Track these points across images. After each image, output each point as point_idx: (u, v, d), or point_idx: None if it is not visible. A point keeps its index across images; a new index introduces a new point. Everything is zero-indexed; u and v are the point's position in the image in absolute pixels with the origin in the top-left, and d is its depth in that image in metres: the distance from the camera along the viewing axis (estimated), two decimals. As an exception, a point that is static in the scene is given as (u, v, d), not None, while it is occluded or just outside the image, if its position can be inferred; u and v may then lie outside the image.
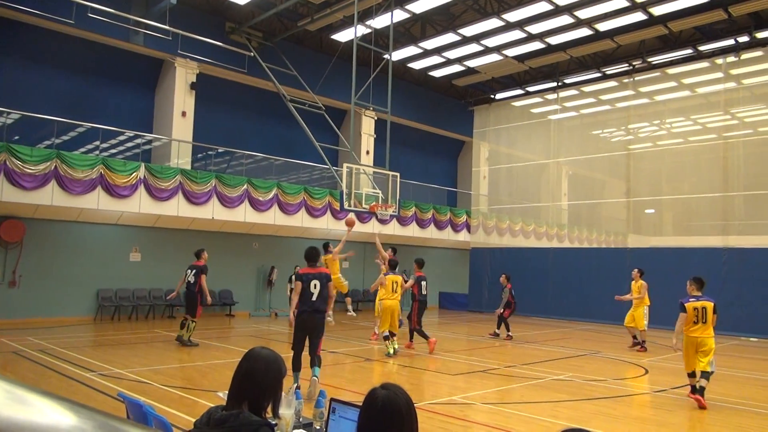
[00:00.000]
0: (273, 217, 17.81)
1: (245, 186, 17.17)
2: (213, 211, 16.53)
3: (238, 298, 18.86)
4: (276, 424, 3.19)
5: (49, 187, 13.78)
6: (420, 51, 20.06)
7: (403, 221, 20.93)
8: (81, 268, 15.94)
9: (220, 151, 18.52)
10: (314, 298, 7.47)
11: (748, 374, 10.89)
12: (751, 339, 16.30)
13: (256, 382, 2.46)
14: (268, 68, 18.44)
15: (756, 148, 18.98)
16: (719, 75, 19.42)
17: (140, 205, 15.26)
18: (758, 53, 18.33)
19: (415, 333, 12.60)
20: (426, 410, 7.17)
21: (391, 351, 11.21)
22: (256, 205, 17.34)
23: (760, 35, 17.68)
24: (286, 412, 3.57)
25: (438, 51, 20.04)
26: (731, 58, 18.71)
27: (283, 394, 2.77)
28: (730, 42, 18.37)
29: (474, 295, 23.66)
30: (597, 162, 23.82)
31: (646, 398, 8.39)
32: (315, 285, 7.50)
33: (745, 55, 18.50)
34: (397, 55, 19.85)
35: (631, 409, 7.67)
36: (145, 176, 15.30)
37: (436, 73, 22.49)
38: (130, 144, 17.24)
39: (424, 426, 6.45)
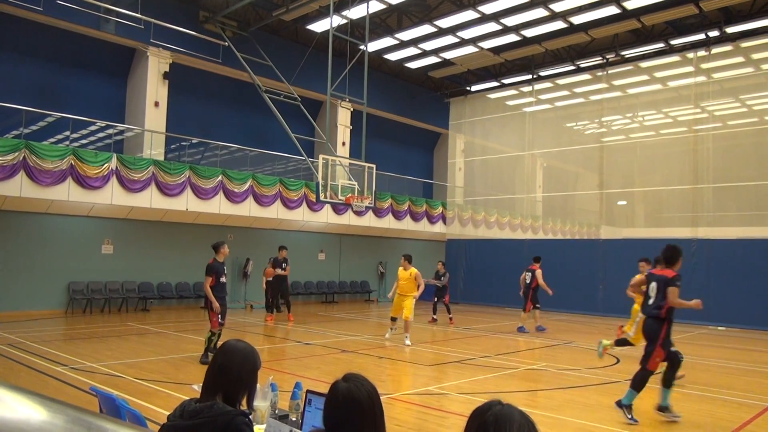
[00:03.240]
0: (248, 208, 17.67)
1: (220, 177, 16.99)
2: (187, 203, 16.33)
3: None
4: (251, 416, 3.18)
5: (17, 178, 13.46)
6: (396, 42, 20.01)
7: (379, 213, 20.94)
8: (51, 261, 15.64)
9: (194, 141, 18.28)
10: None
11: (717, 362, 11.16)
12: (719, 328, 16.71)
13: (231, 374, 2.45)
14: (242, 58, 18.23)
15: (725, 141, 19.38)
16: (690, 69, 19.74)
17: (112, 196, 15.00)
18: (728, 48, 18.67)
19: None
20: (402, 401, 7.21)
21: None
22: (231, 197, 17.18)
23: (730, 30, 18.01)
24: (262, 404, 3.56)
25: (414, 42, 20.01)
26: (702, 53, 19.04)
27: (258, 386, 2.75)
28: (701, 36, 18.68)
29: (452, 286, 23.79)
30: (571, 154, 24.10)
31: (619, 386, 8.53)
32: None
33: (715, 50, 18.84)
34: (373, 46, 19.77)
35: (604, 397, 7.80)
36: (117, 167, 15.03)
37: (413, 65, 22.47)
38: (101, 134, 16.91)
39: (401, 416, 6.50)
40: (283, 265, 15.60)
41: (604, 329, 15.86)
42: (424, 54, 21.12)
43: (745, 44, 18.45)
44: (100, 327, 13.53)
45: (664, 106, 21.99)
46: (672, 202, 20.53)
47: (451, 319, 16.21)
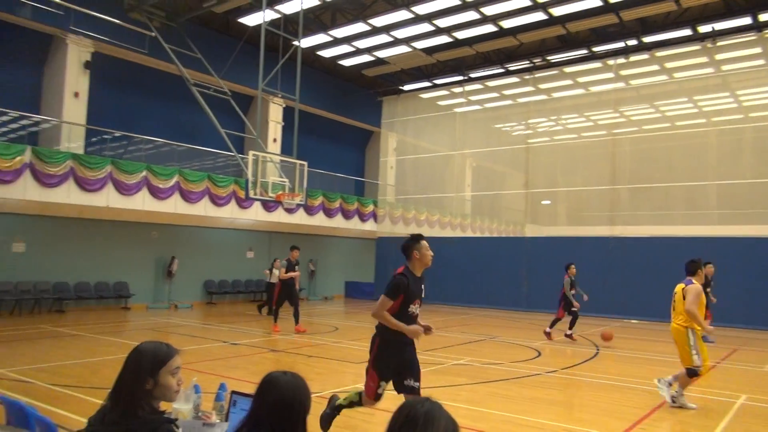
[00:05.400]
0: (174, 205, 17.13)
1: (144, 173, 16.39)
2: (108, 199, 15.66)
3: (135, 289, 18.03)
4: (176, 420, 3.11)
5: None
6: (330, 39, 19.94)
7: (310, 210, 20.81)
8: (-44, 259, 14.63)
9: (116, 135, 17.53)
10: None
11: (630, 353, 11.78)
12: (632, 321, 17.66)
13: (126, 378, 2.38)
14: (170, 50, 17.62)
15: (640, 144, 20.50)
16: (610, 75, 20.73)
17: (25, 191, 14.17)
18: (644, 56, 19.73)
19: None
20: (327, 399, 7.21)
21: None
22: (156, 193, 16.61)
23: (647, 39, 19.02)
24: (184, 406, 3.48)
25: (348, 40, 20.00)
26: (621, 60, 20.02)
27: (182, 389, 2.69)
28: (621, 45, 19.65)
29: (380, 283, 23.98)
30: (499, 154, 24.79)
31: (539, 379, 8.89)
32: None
33: (633, 58, 19.86)
34: (307, 42, 19.62)
35: (525, 389, 8.10)
36: (31, 161, 14.21)
37: (346, 63, 22.45)
38: (14, 125, 15.95)
39: (328, 415, 6.49)
40: (296, 267, 14.00)
41: (526, 324, 16.45)
42: (358, 52, 21.15)
43: (660, 53, 19.54)
44: (10, 330, 12.77)
45: (586, 110, 23.01)
46: (592, 202, 21.52)
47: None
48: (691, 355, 7.14)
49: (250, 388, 2.20)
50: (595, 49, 20.19)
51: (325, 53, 21.37)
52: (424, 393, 7.82)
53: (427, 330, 5.27)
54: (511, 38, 19.32)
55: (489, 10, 17.28)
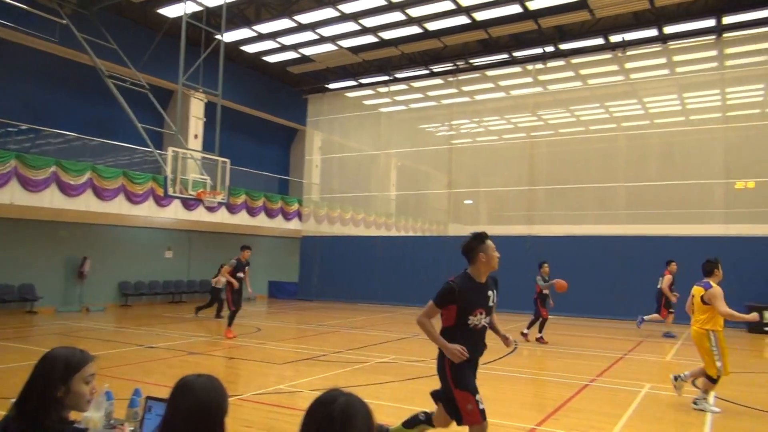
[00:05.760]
0: (86, 203, 16.25)
1: (53, 168, 15.44)
2: (12, 196, 14.65)
3: (43, 292, 17.00)
4: (87, 430, 2.96)
5: None
6: (254, 34, 19.56)
7: (232, 209, 20.34)
8: None
9: (22, 128, 16.43)
10: None
11: (545, 347, 12.26)
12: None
13: (35, 384, 2.25)
14: (83, 39, 16.70)
15: (557, 147, 21.43)
16: (529, 80, 21.51)
17: None
18: (561, 63, 20.61)
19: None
20: (252, 401, 7.08)
21: None
22: (66, 190, 15.69)
23: (563, 47, 19.86)
24: (95, 414, 3.32)
25: (273, 36, 19.70)
26: (539, 66, 20.82)
27: (95, 397, 2.55)
28: (539, 51, 20.43)
29: (304, 283, 23.82)
30: (423, 154, 25.18)
31: (460, 375, 9.10)
32: None
33: (550, 64, 20.69)
34: (230, 36, 19.15)
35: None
36: (-77, 153, 13.10)
37: (271, 59, 22.09)
38: None
39: (250, 417, 6.38)
40: (246, 268, 13.03)
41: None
42: (283, 48, 20.87)
43: (575, 60, 20.46)
44: None
45: (506, 112, 23.76)
46: (511, 202, 22.25)
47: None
48: (715, 362, 7.02)
49: (167, 393, 2.12)
50: (516, 54, 20.87)
51: (249, 48, 20.95)
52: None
53: (506, 341, 4.75)
54: (435, 40, 19.66)
55: (414, 12, 17.51)
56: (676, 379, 7.60)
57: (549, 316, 13.15)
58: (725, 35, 18.24)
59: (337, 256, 23.55)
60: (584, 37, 19.32)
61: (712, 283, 7.13)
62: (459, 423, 4.41)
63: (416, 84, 23.95)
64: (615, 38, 18.97)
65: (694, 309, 7.25)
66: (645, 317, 14.19)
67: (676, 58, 19.79)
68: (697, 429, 6.34)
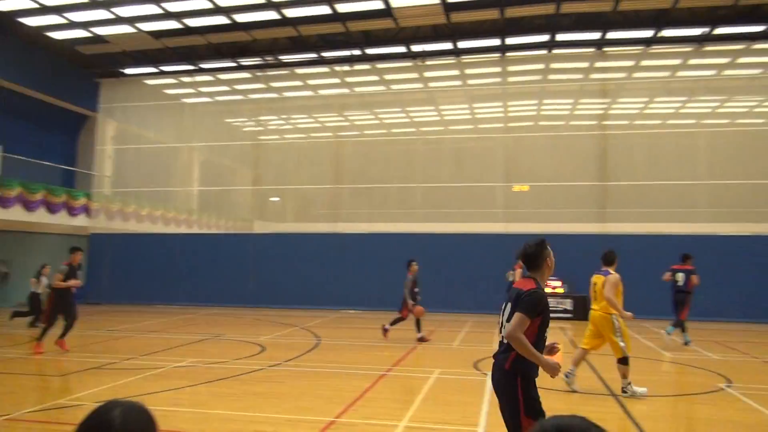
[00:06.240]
0: None
1: None
2: None
3: None
4: None
5: None
6: (36, 6, 17.25)
7: (4, 203, 17.76)
8: None
9: None
10: None
11: (348, 341, 12.65)
12: (350, 311, 18.99)
13: None
14: None
15: (362, 147, 22.25)
16: (337, 81, 22.00)
17: None
18: (367, 66, 21.41)
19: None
20: (25, 420, 6.25)
21: None
22: None
23: (370, 51, 20.65)
24: None
25: (59, 10, 17.56)
26: (346, 68, 21.40)
27: None
28: (347, 53, 20.99)
29: (94, 284, 21.68)
30: (228, 149, 24.42)
31: (263, 374, 8.98)
32: None
33: (357, 67, 21.39)
34: (6, 5, 16.70)
35: (249, 385, 8.10)
36: None
37: (57, 35, 19.66)
38: None
39: (17, 438, 5.61)
40: (78, 273, 11.26)
41: (252, 321, 16.51)
42: (72, 25, 18.71)
43: (380, 65, 21.39)
44: None
45: (314, 111, 24.05)
46: (317, 200, 22.59)
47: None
48: (618, 344, 7.58)
49: None
50: (324, 54, 21.21)
51: (30, 21, 18.45)
52: (140, 399, 7.25)
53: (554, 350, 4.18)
54: (244, 33, 19.18)
55: (222, 1, 16.88)
56: (567, 376, 8.00)
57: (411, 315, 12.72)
58: (508, 54, 20.46)
59: (132, 255, 21.85)
60: (389, 44, 20.28)
61: (611, 270, 7.87)
62: None
63: (223, 76, 23.12)
64: (416, 48, 20.22)
65: (596, 296, 7.88)
66: None
67: (468, 71, 21.72)
68: (477, 407, 6.99)
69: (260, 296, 19.86)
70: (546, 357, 3.83)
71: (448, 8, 17.18)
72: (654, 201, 19.74)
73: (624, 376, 7.68)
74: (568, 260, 18.10)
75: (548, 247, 4.08)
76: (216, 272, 20.42)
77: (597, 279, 7.96)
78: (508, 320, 3.85)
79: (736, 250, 17.36)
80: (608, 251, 8.10)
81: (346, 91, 22.17)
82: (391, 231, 20.32)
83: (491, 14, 18.05)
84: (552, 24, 18.65)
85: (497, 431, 5.97)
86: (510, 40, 19.72)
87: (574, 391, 7.84)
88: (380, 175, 21.44)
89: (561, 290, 17.75)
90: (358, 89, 22.66)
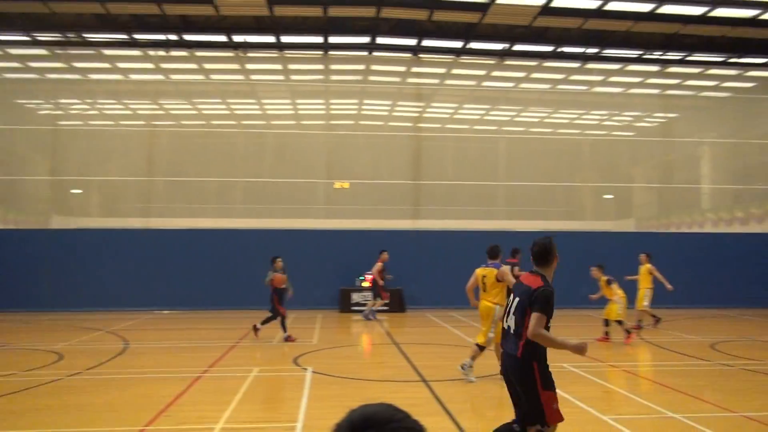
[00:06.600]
0: None
1: None
2: None
3: None
4: None
5: None
6: None
7: None
8: None
9: None
10: None
11: (160, 344, 11.93)
12: (164, 312, 17.90)
13: None
14: None
15: (178, 138, 21.01)
16: (151, 66, 20.56)
17: None
18: (184, 53, 20.30)
19: None
20: None
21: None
22: None
23: (188, 37, 19.61)
24: None
25: None
26: (162, 53, 20.10)
27: None
28: (162, 37, 19.72)
29: None
30: (19, 134, 21.54)
31: (60, 384, 8.13)
32: None
33: (173, 53, 20.19)
34: None
35: (39, 399, 7.27)
36: None
37: None
38: None
39: None
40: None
41: (48, 326, 14.83)
42: None
43: (199, 53, 20.42)
44: None
45: (124, 97, 22.20)
46: (128, 193, 20.89)
47: None
48: (488, 332, 8.13)
49: None
50: (137, 36, 19.71)
51: None
52: None
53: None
54: (40, 4, 17.10)
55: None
56: (463, 367, 8.23)
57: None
58: (331, 53, 20.79)
59: None
60: (209, 32, 19.46)
61: (499, 263, 8.31)
62: (524, 425, 4.41)
63: (13, 51, 20.39)
64: (238, 38, 19.66)
65: (485, 287, 8.27)
66: (368, 310, 16.15)
67: (291, 66, 21.66)
68: (297, 401, 7.03)
69: (59, 298, 17.82)
70: (571, 340, 4.28)
71: (272, 1, 16.98)
72: (461, 200, 21.46)
73: (471, 357, 8.25)
74: (385, 255, 18.95)
75: (555, 245, 4.48)
76: (4, 273, 17.99)
77: (486, 272, 8.35)
78: (514, 313, 4.36)
79: (526, 245, 19.54)
80: (493, 246, 8.51)
81: (161, 77, 20.82)
82: (210, 227, 19.57)
83: (314, 11, 18.20)
84: (373, 27, 19.34)
85: (317, 424, 6.08)
86: (333, 39, 20.06)
87: (471, 381, 8.19)
88: (198, 169, 20.52)
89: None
90: (174, 77, 21.43)
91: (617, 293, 11.68)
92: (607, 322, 11.92)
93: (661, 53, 20.99)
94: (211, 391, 7.75)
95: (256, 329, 12.14)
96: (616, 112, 24.01)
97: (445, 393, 7.51)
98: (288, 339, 11.91)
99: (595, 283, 12.21)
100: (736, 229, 22.07)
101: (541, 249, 4.45)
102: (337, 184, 20.66)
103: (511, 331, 4.39)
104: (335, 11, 18.14)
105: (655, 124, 24.21)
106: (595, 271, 12.05)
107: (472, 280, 8.57)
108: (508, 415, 6.51)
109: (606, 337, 11.93)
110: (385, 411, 1.30)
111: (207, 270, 18.61)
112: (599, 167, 22.47)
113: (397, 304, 18.14)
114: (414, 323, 15.78)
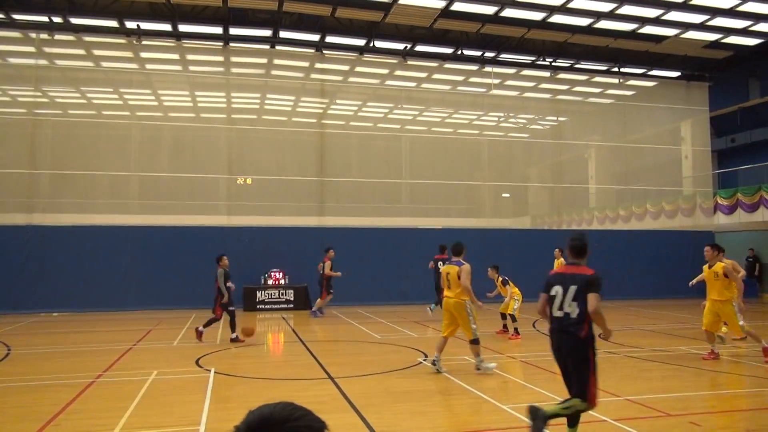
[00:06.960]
0: None
1: None
2: None
3: None
4: None
5: None
6: None
7: None
8: None
9: None
10: None
11: (46, 349, 11.10)
12: (54, 314, 16.72)
13: None
14: None
15: (65, 129, 19.54)
16: (32, 49, 19.01)
17: None
18: (71, 37, 18.93)
19: None
20: None
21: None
22: None
23: (74, 21, 18.34)
24: None
25: None
26: (44, 35, 18.64)
27: None
28: (46, 19, 18.29)
29: None
30: None
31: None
32: None
33: (58, 36, 18.78)
34: None
35: None
36: None
37: None
38: None
39: None
40: None
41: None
42: None
43: (87, 38, 19.11)
44: None
45: (2, 82, 20.31)
46: (7, 186, 19.13)
47: None
48: (470, 326, 8.16)
49: None
50: (16, 17, 18.18)
51: None
52: None
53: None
54: None
55: None
56: (433, 363, 8.42)
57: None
58: (231, 45, 20.20)
59: None
60: (98, 15, 18.35)
61: (462, 261, 8.37)
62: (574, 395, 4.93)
63: None
64: (131, 24, 18.64)
65: (449, 284, 8.30)
66: (315, 307, 16.23)
67: (189, 57, 20.81)
68: (199, 404, 6.79)
69: None
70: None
71: (168, -13, 16.27)
72: (365, 197, 21.61)
73: (476, 354, 8.35)
74: (290, 252, 18.80)
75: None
76: None
77: (450, 269, 8.40)
78: (574, 299, 4.87)
79: (429, 242, 19.93)
80: (456, 243, 8.61)
81: (44, 62, 19.29)
82: (101, 223, 18.44)
83: (214, 1, 17.63)
84: (275, 20, 19.03)
85: (220, 427, 5.91)
86: (234, 30, 19.54)
87: (439, 372, 8.30)
88: (88, 162, 19.20)
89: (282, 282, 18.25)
90: (60, 62, 19.91)
91: (513, 290, 12.22)
92: (504, 316, 12.46)
93: (552, 60, 22.26)
94: (106, 397, 7.32)
95: (200, 332, 11.52)
96: (512, 115, 25.15)
97: (352, 389, 7.54)
98: (199, 334, 11.46)
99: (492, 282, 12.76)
100: (620, 226, 23.86)
101: (583, 244, 5.19)
102: (240, 180, 20.13)
103: (573, 316, 4.90)
104: (235, 2, 17.68)
105: (548, 126, 25.60)
106: (490, 272, 12.60)
107: (443, 276, 8.65)
108: (414, 408, 6.66)
109: (504, 330, 12.48)
110: (282, 410, 1.29)
111: (100, 268, 17.60)
112: (497, 167, 23.44)
113: (303, 301, 18.01)
114: (320, 320, 15.72)
